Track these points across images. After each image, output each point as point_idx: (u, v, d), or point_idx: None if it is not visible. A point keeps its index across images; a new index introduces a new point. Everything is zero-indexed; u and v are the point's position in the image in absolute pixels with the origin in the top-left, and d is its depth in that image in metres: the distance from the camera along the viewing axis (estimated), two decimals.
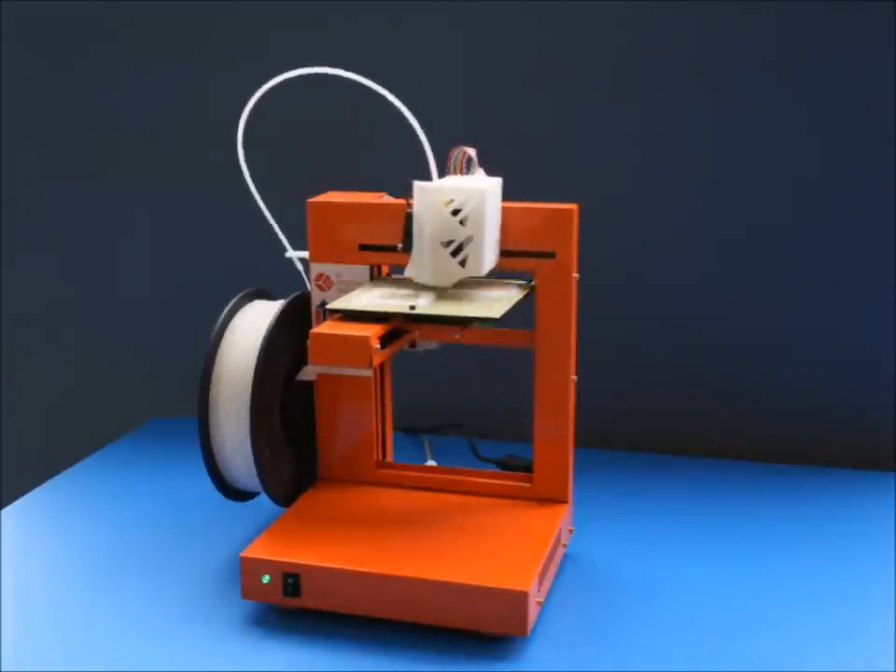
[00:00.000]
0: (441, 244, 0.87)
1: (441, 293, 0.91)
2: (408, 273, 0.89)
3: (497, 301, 0.89)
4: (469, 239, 0.87)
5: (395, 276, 0.99)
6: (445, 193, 0.87)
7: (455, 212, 0.87)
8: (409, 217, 0.89)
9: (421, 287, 0.92)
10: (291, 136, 1.28)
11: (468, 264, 0.88)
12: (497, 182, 0.90)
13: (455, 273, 0.88)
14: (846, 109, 1.13)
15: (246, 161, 1.30)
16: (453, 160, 0.90)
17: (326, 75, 0.97)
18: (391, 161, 1.25)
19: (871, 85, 1.12)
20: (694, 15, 1.14)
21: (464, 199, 0.87)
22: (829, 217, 1.16)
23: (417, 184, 0.87)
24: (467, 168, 0.91)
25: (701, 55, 1.15)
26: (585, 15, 1.17)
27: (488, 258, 0.89)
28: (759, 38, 1.14)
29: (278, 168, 1.29)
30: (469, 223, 0.87)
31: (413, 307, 0.87)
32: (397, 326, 0.88)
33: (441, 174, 0.93)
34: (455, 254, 0.88)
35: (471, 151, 0.91)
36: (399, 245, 0.90)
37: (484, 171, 0.93)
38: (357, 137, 1.26)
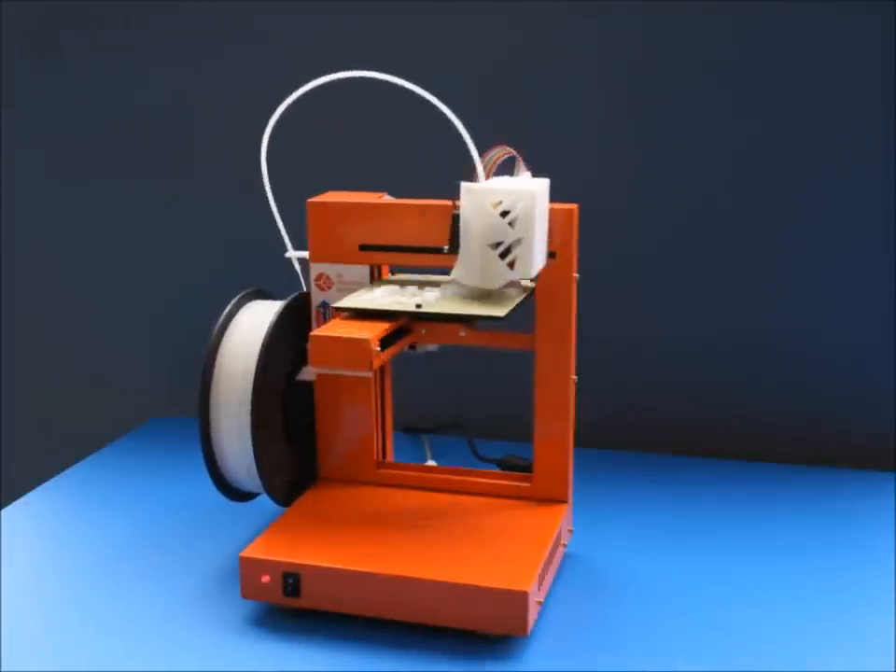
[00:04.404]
0: (489, 245, 0.85)
1: (446, 292, 0.91)
2: (454, 274, 0.87)
3: (502, 301, 0.89)
4: (518, 241, 0.85)
5: (398, 276, 0.99)
6: (494, 195, 0.85)
7: (504, 213, 0.85)
8: (455, 219, 0.86)
9: (425, 287, 0.92)
10: (291, 136, 1.28)
11: (516, 266, 0.86)
12: (545, 183, 0.88)
13: (503, 274, 0.86)
14: (853, 113, 1.13)
15: (246, 160, 1.30)
16: (487, 159, 0.87)
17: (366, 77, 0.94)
18: (392, 160, 1.25)
19: (881, 86, 1.12)
20: (695, 14, 1.14)
21: (514, 201, 0.85)
22: (830, 217, 1.16)
23: (465, 185, 0.85)
24: (510, 169, 0.89)
25: (703, 55, 1.15)
26: (588, 14, 1.17)
27: (537, 260, 0.87)
28: (763, 39, 1.13)
29: (278, 168, 1.29)
30: (518, 225, 0.85)
31: (419, 305, 0.86)
32: (401, 325, 0.88)
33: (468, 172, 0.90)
34: (503, 256, 0.86)
35: (515, 153, 0.88)
36: (446, 248, 0.88)
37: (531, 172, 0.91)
38: (356, 137, 1.25)
